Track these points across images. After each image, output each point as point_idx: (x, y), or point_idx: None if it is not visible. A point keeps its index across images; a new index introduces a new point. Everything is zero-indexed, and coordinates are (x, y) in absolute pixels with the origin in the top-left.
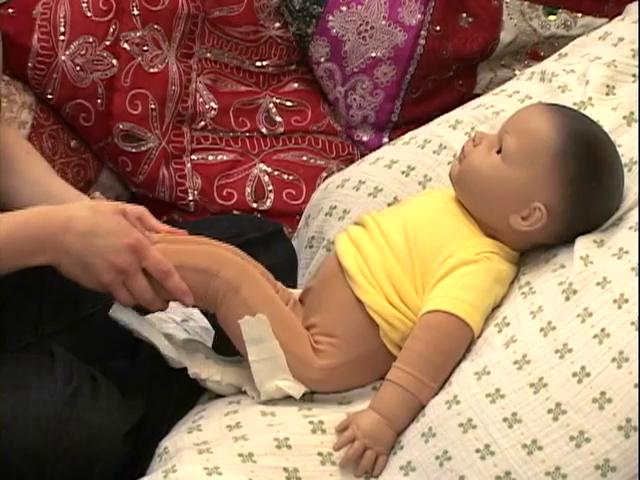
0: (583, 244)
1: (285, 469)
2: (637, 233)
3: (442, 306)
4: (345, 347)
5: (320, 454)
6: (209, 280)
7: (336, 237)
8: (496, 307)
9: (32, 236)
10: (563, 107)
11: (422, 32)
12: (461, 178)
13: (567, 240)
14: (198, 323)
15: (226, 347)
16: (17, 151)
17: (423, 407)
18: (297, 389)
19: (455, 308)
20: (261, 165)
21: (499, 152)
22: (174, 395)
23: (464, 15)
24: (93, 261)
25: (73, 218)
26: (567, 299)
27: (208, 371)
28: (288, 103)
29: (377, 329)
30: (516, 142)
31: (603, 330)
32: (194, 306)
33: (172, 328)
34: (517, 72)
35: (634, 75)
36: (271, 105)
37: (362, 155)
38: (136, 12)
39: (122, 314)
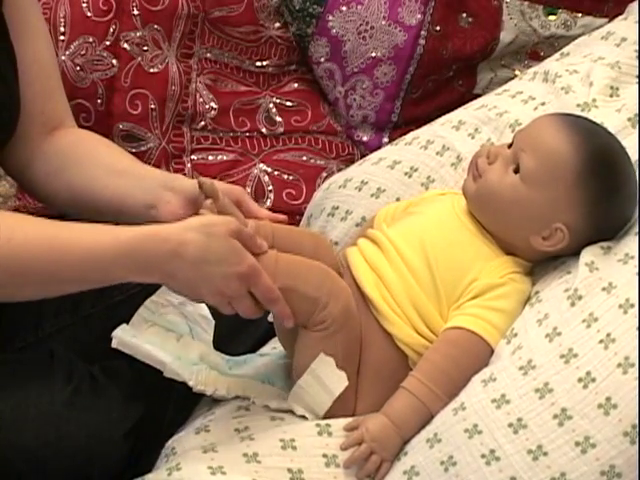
0: (589, 250)
1: (289, 470)
2: (637, 237)
3: (467, 324)
4: (374, 381)
5: (325, 456)
6: (315, 309)
7: (348, 255)
8: None
9: (138, 258)
10: (576, 118)
11: (422, 32)
12: (479, 198)
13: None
14: (197, 310)
15: (227, 342)
16: (97, 145)
17: (432, 417)
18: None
19: (480, 328)
20: (261, 165)
21: (516, 171)
22: (174, 395)
23: (464, 15)
24: (201, 286)
25: (185, 244)
26: (572, 305)
27: (214, 386)
28: (288, 103)
29: (405, 359)
30: (535, 162)
31: (609, 335)
32: None
33: (170, 312)
34: (517, 72)
35: (638, 76)
36: (271, 105)
37: (362, 155)
38: (136, 12)
39: (124, 344)
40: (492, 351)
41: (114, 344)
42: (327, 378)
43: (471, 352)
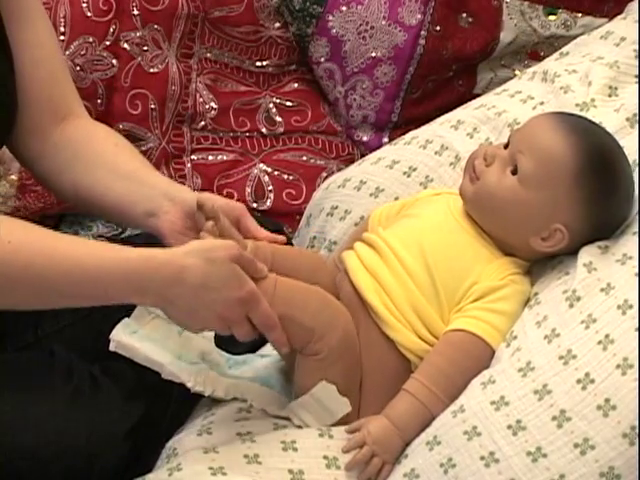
0: (587, 251)
1: (290, 471)
2: (637, 237)
3: (469, 327)
4: (377, 389)
5: (326, 457)
6: (311, 339)
7: (345, 259)
8: None
9: (138, 280)
10: (571, 117)
11: (422, 32)
12: (477, 200)
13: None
14: None
15: (227, 341)
16: (105, 143)
17: (433, 419)
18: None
19: (482, 331)
20: (261, 165)
21: (514, 173)
22: (174, 395)
23: (464, 15)
24: (200, 312)
25: (186, 269)
26: (571, 306)
27: (212, 387)
28: (288, 103)
29: (408, 365)
30: (533, 164)
31: (607, 336)
32: None
33: None
34: (517, 72)
35: (636, 76)
36: (271, 105)
37: (362, 155)
38: (136, 12)
39: (122, 347)
40: (493, 353)
41: (112, 347)
42: (329, 403)
43: (472, 354)
